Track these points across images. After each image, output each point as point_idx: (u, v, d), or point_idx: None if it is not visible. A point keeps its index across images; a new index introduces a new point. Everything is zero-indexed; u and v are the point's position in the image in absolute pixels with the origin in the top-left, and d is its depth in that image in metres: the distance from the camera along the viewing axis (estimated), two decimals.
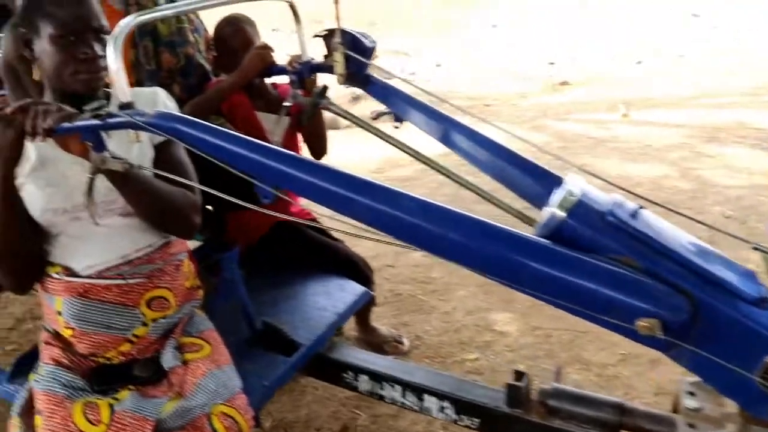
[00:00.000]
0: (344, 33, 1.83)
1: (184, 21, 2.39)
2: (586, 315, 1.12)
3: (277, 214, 1.30)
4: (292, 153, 1.29)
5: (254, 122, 2.37)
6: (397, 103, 1.89)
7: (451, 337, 2.97)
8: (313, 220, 2.52)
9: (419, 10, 14.02)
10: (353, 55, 1.83)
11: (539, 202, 1.49)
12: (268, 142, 2.34)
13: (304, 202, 2.58)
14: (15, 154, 1.45)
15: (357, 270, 2.40)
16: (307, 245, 2.42)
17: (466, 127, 1.78)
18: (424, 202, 1.20)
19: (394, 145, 1.67)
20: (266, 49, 2.23)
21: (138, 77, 2.27)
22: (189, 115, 1.82)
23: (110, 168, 1.40)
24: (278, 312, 2.10)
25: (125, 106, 1.40)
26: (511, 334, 3.00)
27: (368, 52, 1.86)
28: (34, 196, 1.59)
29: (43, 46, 1.55)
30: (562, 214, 1.22)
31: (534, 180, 1.65)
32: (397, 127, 1.88)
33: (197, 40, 2.43)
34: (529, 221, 1.49)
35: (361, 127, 1.70)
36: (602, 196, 1.27)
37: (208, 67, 2.47)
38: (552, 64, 9.13)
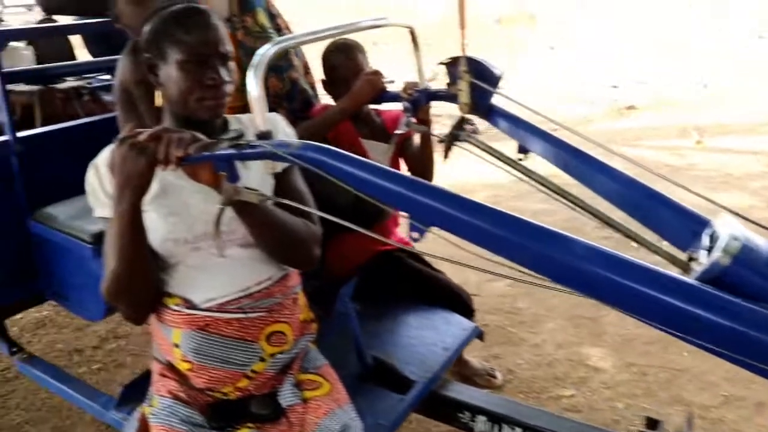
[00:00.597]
0: (470, 60, 1.76)
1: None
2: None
3: (375, 236, 1.25)
4: (444, 189, 1.21)
5: (359, 150, 2.31)
6: (521, 134, 1.81)
7: (545, 372, 2.86)
8: (413, 249, 2.44)
9: (475, 32, 13.98)
10: (479, 83, 1.75)
11: (680, 241, 1.43)
12: None
13: (404, 230, 2.51)
14: (145, 183, 1.40)
15: (460, 301, 2.32)
16: (408, 275, 2.34)
17: (595, 159, 1.68)
18: (597, 250, 1.11)
19: (540, 183, 1.58)
20: (377, 75, 2.17)
21: (245, 101, 2.22)
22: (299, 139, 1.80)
23: (243, 200, 1.34)
24: (384, 346, 2.03)
25: (264, 135, 1.35)
26: (606, 370, 2.88)
27: (495, 80, 1.78)
28: (156, 224, 1.55)
29: (168, 72, 1.52)
30: (726, 259, 1.13)
31: (675, 218, 1.55)
32: (521, 159, 1.80)
33: (298, 63, 2.39)
34: (682, 265, 1.39)
35: (506, 163, 1.62)
36: (760, 239, 1.18)
37: (310, 91, 2.42)
38: (615, 87, 8.96)
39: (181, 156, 1.32)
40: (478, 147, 1.61)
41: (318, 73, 2.50)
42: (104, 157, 1.56)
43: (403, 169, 2.45)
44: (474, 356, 2.83)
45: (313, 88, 2.49)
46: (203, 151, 1.32)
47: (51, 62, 2.78)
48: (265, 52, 1.38)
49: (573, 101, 8.35)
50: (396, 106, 2.20)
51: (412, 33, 1.88)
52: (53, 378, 2.19)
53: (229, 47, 1.55)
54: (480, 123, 1.82)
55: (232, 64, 1.56)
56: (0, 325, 2.38)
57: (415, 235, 1.27)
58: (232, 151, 1.32)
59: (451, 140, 1.65)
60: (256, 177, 1.58)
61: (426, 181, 1.24)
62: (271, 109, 2.25)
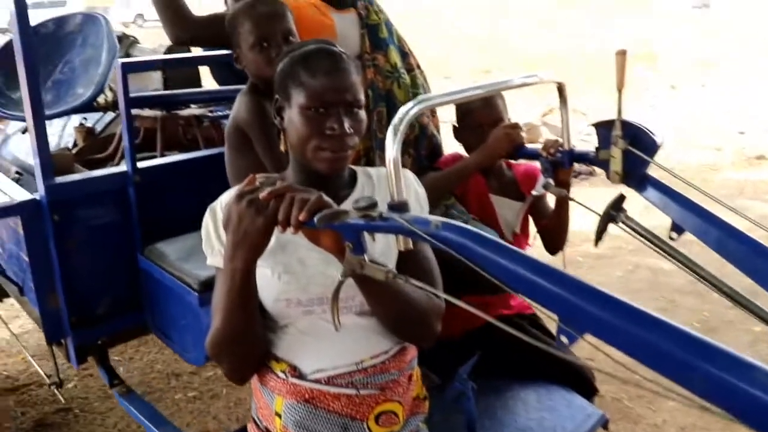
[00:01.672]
0: (626, 125, 1.57)
1: (420, 86, 2.21)
2: None
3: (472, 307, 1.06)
4: (612, 296, 1.03)
5: (488, 206, 2.14)
6: (676, 209, 1.59)
7: None
8: (534, 315, 2.25)
9: (598, 67, 13.56)
10: (635, 151, 1.55)
11: None
12: (499, 229, 2.17)
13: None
14: (261, 243, 1.28)
15: (581, 379, 2.09)
16: (524, 345, 2.13)
17: (756, 242, 1.46)
18: None
19: (695, 272, 1.37)
20: (516, 128, 2.00)
21: (367, 145, 2.10)
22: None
23: (368, 274, 1.20)
24: (500, 428, 1.84)
25: (399, 207, 1.21)
26: None
27: (652, 148, 1.58)
28: (269, 281, 1.43)
29: (291, 116, 1.41)
30: None
31: None
32: (673, 239, 1.58)
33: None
34: None
35: (664, 251, 1.41)
36: None
37: (439, 137, 2.27)
38: (742, 133, 8.41)
39: (303, 221, 1.19)
40: (634, 230, 1.41)
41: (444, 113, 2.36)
42: (223, 201, 1.47)
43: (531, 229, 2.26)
44: None
45: (438, 131, 2.34)
46: (330, 221, 1.18)
47: (177, 87, 2.77)
48: (407, 111, 1.24)
49: (697, 147, 7.89)
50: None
51: (561, 89, 1.70)
52: (148, 419, 2.14)
53: (359, 95, 1.41)
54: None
55: (360, 114, 1.42)
56: (103, 353, 2.35)
57: (564, 339, 1.08)
58: (360, 221, 1.17)
59: (606, 222, 1.45)
60: (381, 241, 1.44)
61: (589, 284, 1.06)
62: None
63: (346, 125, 1.37)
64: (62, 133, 3.12)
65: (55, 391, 2.45)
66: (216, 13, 2.06)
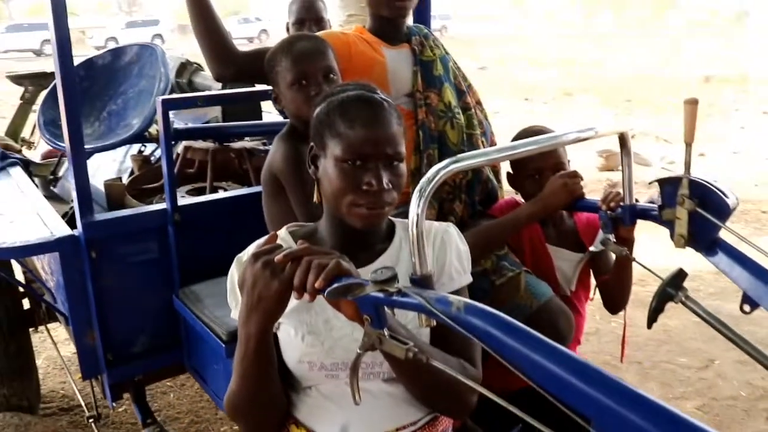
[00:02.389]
0: (694, 183, 1.40)
1: (476, 126, 2.07)
2: None
3: None
4: (658, 403, 0.87)
5: (544, 257, 1.98)
6: (749, 280, 1.40)
7: None
8: None
9: (679, 90, 13.04)
10: (704, 213, 1.38)
11: None
12: (555, 281, 2.01)
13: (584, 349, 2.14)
14: (277, 309, 1.18)
15: None
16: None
17: None
18: None
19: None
20: (575, 178, 1.84)
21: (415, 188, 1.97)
22: (473, 243, 1.50)
23: (387, 351, 1.08)
24: None
25: (421, 282, 1.09)
26: None
27: (725, 212, 1.39)
28: (291, 341, 1.34)
29: (326, 167, 1.31)
30: None
31: None
32: (746, 312, 1.39)
33: (485, 147, 2.09)
34: None
35: (728, 337, 1.24)
36: None
37: (495, 182, 2.12)
38: None
39: (319, 288, 1.08)
40: (696, 312, 1.24)
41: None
42: (250, 252, 1.37)
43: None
44: None
45: (496, 175, 2.19)
46: (342, 294, 1.07)
47: (236, 119, 2.74)
48: (439, 171, 1.12)
49: None
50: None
51: (623, 139, 1.54)
52: None
53: (400, 147, 1.30)
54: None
55: (401, 168, 1.31)
56: (139, 391, 2.31)
57: None
58: (379, 294, 1.06)
59: (662, 301, 1.28)
60: None
61: (633, 388, 0.90)
62: (447, 200, 2.00)
63: (385, 180, 1.26)
64: (124, 159, 3.13)
65: (93, 425, 2.43)
66: (260, 48, 1.98)
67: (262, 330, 1.19)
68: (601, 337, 3.69)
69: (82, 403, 2.83)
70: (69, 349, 3.47)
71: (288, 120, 1.83)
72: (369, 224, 1.29)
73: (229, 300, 1.40)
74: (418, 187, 1.10)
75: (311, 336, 1.33)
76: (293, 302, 1.32)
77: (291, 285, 1.11)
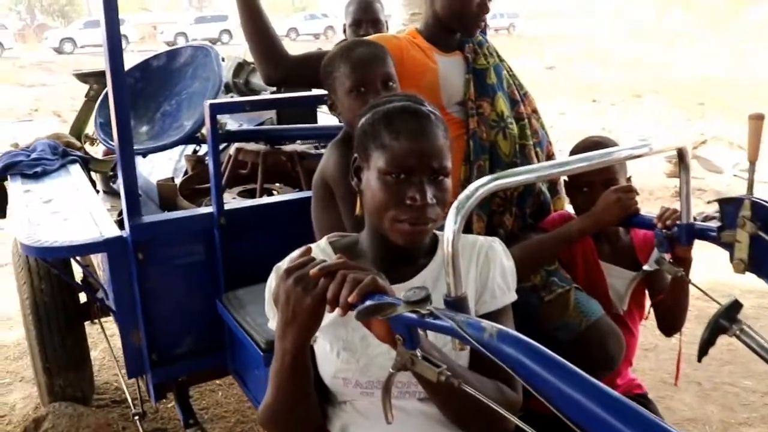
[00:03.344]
0: (757, 205, 1.30)
1: (529, 136, 2.00)
2: None
3: None
4: None
5: (597, 274, 1.90)
6: None
7: None
8: (645, 395, 1.97)
9: (757, 94, 12.52)
10: (766, 238, 1.28)
11: None
12: (608, 299, 1.93)
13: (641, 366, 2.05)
14: (312, 325, 1.15)
15: None
16: None
17: None
18: None
19: None
20: (630, 193, 1.76)
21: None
22: (521, 257, 1.44)
23: (419, 372, 1.03)
24: None
25: (455, 304, 1.04)
26: None
27: None
28: (327, 357, 1.31)
29: (369, 179, 1.28)
30: None
31: None
32: None
33: (539, 158, 2.02)
34: None
35: None
36: None
37: (548, 194, 2.05)
38: None
39: (352, 303, 1.05)
40: (750, 347, 1.15)
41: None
42: (282, 268, 1.35)
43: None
44: None
45: (554, 184, 2.11)
46: (371, 314, 1.03)
47: (290, 121, 2.74)
48: (477, 188, 1.07)
49: None
50: None
51: (682, 154, 1.46)
52: None
53: (446, 161, 1.25)
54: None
55: (446, 183, 1.26)
56: (182, 391, 2.33)
57: None
58: (411, 315, 1.02)
59: (715, 334, 1.20)
60: None
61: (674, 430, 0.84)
62: (498, 213, 1.94)
63: (429, 195, 1.22)
64: (179, 158, 3.17)
65: (137, 422, 2.46)
66: (311, 52, 1.96)
67: (298, 345, 1.17)
68: (660, 354, 3.55)
69: (129, 399, 2.88)
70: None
71: (341, 125, 1.80)
72: (411, 241, 1.26)
73: (266, 310, 1.39)
74: (455, 204, 1.05)
75: (347, 352, 1.30)
76: (330, 316, 1.29)
77: (324, 300, 1.09)
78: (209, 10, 41.14)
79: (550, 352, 0.93)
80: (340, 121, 1.79)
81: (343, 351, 1.30)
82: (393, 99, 1.32)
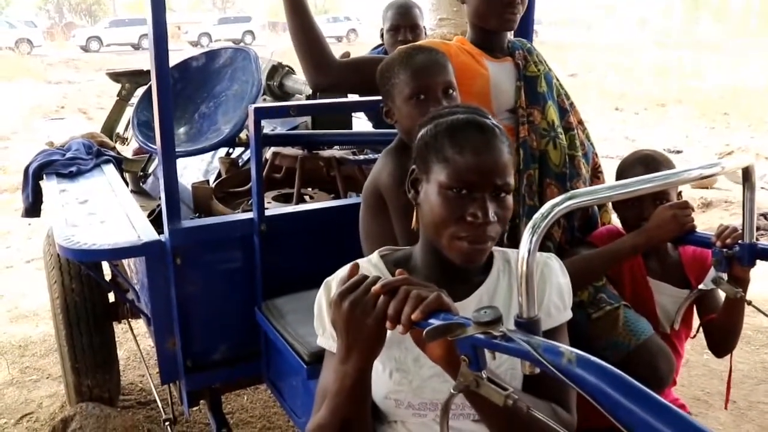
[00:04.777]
0: None
1: (578, 147, 1.95)
2: None
3: None
4: None
5: (645, 291, 1.84)
6: None
7: None
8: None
9: None
10: None
11: None
12: (655, 317, 1.87)
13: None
14: (376, 346, 1.11)
15: None
16: None
17: None
18: None
19: None
20: (686, 209, 1.70)
21: (514, 211, 1.86)
22: (572, 273, 1.39)
23: (483, 395, 0.99)
24: None
25: (528, 326, 1.00)
26: None
27: None
28: (379, 377, 1.27)
29: (428, 193, 1.24)
30: None
31: None
32: None
33: (586, 170, 1.97)
34: None
35: None
36: None
37: (595, 209, 1.99)
38: None
39: (416, 320, 1.01)
40: None
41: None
42: (338, 277, 1.31)
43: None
44: None
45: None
46: (441, 335, 0.99)
47: (325, 127, 2.71)
48: (554, 206, 1.03)
49: None
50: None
51: (747, 173, 1.40)
52: None
53: (509, 178, 1.22)
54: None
55: (508, 200, 1.23)
56: (215, 399, 2.30)
57: None
58: (480, 335, 0.97)
59: None
60: None
61: None
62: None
63: (491, 212, 1.19)
64: (211, 160, 3.15)
65: (169, 428, 2.43)
66: (358, 58, 1.93)
67: (361, 368, 1.13)
68: (691, 370, 3.47)
69: (159, 402, 2.85)
70: (148, 343, 3.53)
71: (382, 131, 1.76)
72: (469, 260, 1.22)
73: (315, 326, 1.35)
74: (531, 223, 1.01)
75: (399, 373, 1.26)
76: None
77: (385, 320, 1.05)
78: (232, 11, 41.46)
79: (634, 381, 0.89)
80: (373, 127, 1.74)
81: (395, 372, 1.26)
82: (456, 110, 1.28)
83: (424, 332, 0.98)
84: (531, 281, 1.01)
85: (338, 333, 1.11)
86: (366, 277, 1.09)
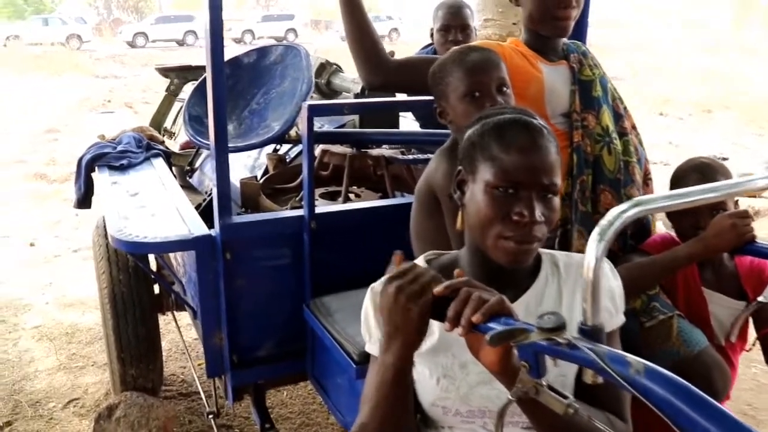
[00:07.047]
0: None
1: (632, 152, 1.91)
2: None
3: None
4: None
5: (699, 301, 1.80)
6: None
7: None
8: None
9: None
10: None
11: None
12: (710, 329, 1.83)
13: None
14: (416, 338, 1.09)
15: None
16: None
17: None
18: None
19: None
20: (746, 218, 1.66)
21: (566, 216, 1.84)
22: (625, 280, 1.37)
23: (543, 402, 0.97)
24: None
25: (592, 333, 0.98)
26: None
27: None
28: (426, 382, 1.27)
29: (474, 193, 1.22)
30: None
31: None
32: None
33: (640, 176, 1.93)
34: None
35: None
36: None
37: (649, 216, 1.95)
38: None
39: (477, 323, 0.99)
40: None
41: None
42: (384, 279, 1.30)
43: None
44: None
45: None
46: (505, 340, 0.97)
47: (372, 126, 2.70)
48: (620, 213, 1.01)
49: None
50: None
51: None
52: None
53: (556, 179, 1.20)
54: None
55: (554, 201, 1.20)
56: (260, 394, 2.31)
57: None
58: (543, 342, 0.96)
59: None
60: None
61: None
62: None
63: (537, 212, 1.16)
64: (258, 156, 3.16)
65: (212, 422, 2.45)
66: (412, 58, 1.92)
67: (402, 360, 1.11)
68: (739, 384, 3.37)
69: (202, 394, 2.88)
70: (191, 335, 3.57)
71: (433, 131, 1.75)
72: (514, 260, 1.19)
73: (362, 332, 1.35)
74: (597, 230, 0.99)
75: (446, 380, 1.25)
76: (430, 342, 1.25)
77: (429, 312, 1.05)
78: (275, 9, 41.79)
79: (703, 394, 0.86)
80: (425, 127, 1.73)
81: (442, 378, 1.25)
82: (504, 111, 1.27)
83: (488, 336, 0.97)
84: (597, 288, 0.99)
85: (383, 318, 1.10)
86: (417, 266, 1.09)
